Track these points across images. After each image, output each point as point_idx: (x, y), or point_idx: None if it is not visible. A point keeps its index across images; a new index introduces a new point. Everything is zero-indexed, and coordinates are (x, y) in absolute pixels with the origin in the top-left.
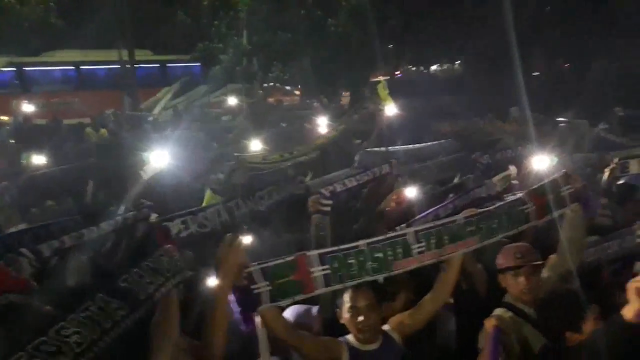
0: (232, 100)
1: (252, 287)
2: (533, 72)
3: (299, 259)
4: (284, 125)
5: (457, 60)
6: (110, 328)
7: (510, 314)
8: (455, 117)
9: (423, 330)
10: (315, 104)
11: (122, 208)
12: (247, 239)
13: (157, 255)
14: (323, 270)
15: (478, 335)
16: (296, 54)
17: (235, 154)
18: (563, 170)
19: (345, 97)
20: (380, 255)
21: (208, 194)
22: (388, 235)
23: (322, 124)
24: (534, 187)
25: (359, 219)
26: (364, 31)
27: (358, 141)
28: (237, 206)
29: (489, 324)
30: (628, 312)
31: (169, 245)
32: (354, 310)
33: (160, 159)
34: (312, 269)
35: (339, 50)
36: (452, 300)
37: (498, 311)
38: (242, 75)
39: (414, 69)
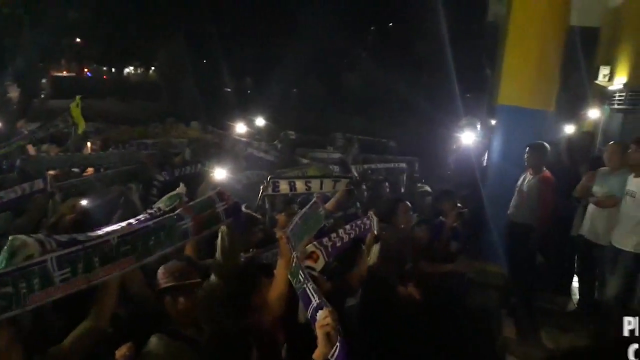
0: None
1: None
2: (226, 88)
3: None
4: None
5: (152, 66)
6: None
7: (165, 338)
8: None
9: None
10: None
11: None
12: None
13: None
14: None
15: None
16: None
17: None
18: (218, 188)
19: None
20: (9, 290)
21: None
22: (20, 265)
23: None
24: (190, 203)
25: None
26: (40, 17)
27: None
28: None
29: (119, 354)
30: (317, 356)
31: None
32: None
33: None
34: None
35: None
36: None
37: (153, 338)
38: None
39: (105, 68)
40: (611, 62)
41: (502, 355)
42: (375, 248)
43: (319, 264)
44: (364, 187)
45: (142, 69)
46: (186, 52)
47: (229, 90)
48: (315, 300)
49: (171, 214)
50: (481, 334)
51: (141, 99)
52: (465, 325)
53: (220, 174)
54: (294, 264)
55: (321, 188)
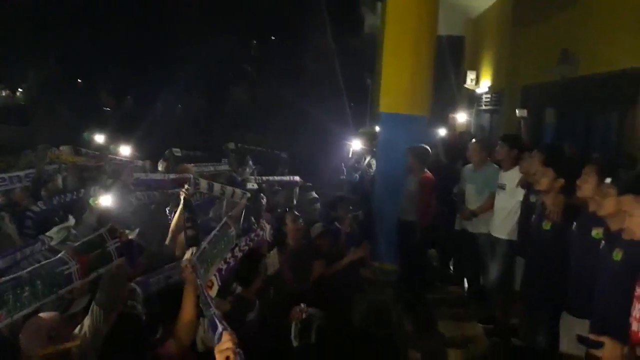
0: None
1: None
2: (105, 107)
3: None
4: None
5: (19, 88)
6: None
7: None
8: None
9: None
10: None
11: None
12: None
13: None
14: None
15: None
16: None
17: None
18: (109, 224)
19: None
20: None
21: None
22: None
23: None
24: (76, 244)
25: None
26: None
27: None
28: None
29: None
30: None
31: None
32: None
33: None
34: None
35: None
36: None
37: None
38: None
39: None
40: (476, 67)
41: (404, 350)
42: (274, 257)
43: (214, 291)
44: (262, 200)
45: (7, 91)
46: (58, 72)
47: (107, 109)
48: (220, 326)
49: (51, 259)
50: (381, 332)
51: (8, 123)
52: (364, 324)
53: (105, 200)
54: (201, 292)
55: (232, 197)
